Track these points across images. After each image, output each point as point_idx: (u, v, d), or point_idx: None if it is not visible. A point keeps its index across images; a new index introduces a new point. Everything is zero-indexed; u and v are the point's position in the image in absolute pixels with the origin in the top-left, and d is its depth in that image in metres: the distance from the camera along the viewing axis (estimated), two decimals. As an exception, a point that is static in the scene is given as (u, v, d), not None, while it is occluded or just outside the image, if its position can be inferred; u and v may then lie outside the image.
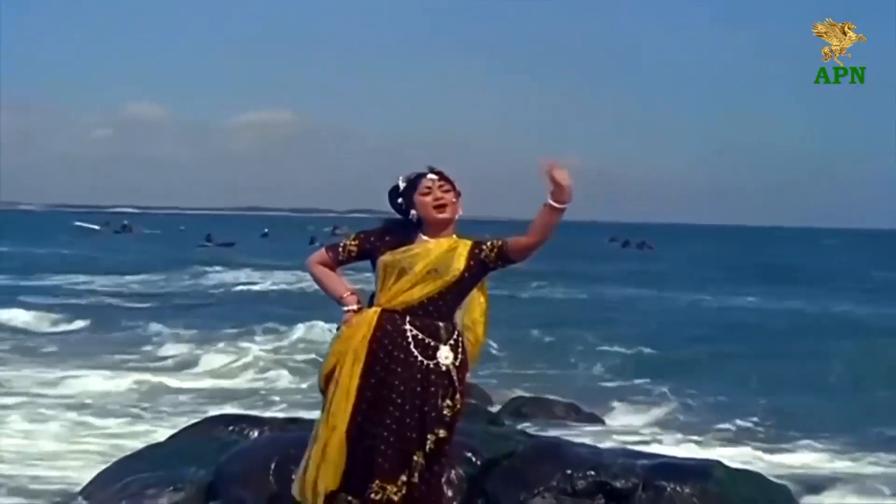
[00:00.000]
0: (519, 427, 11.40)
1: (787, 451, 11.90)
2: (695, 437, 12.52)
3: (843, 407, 14.72)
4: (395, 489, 4.16)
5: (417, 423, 4.19)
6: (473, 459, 8.79)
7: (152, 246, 67.75)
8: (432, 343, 4.22)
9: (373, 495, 4.14)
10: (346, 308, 4.33)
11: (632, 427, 13.53)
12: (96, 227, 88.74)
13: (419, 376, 4.19)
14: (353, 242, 4.39)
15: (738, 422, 13.59)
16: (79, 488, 8.90)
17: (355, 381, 4.17)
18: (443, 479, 4.39)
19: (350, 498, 4.20)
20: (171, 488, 8.51)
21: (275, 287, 35.07)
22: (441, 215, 4.25)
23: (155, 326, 21.76)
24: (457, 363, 4.27)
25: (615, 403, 14.76)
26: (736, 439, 12.72)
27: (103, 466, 9.24)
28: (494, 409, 13.62)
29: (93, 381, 15.11)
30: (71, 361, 17.29)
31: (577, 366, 18.64)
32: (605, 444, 10.20)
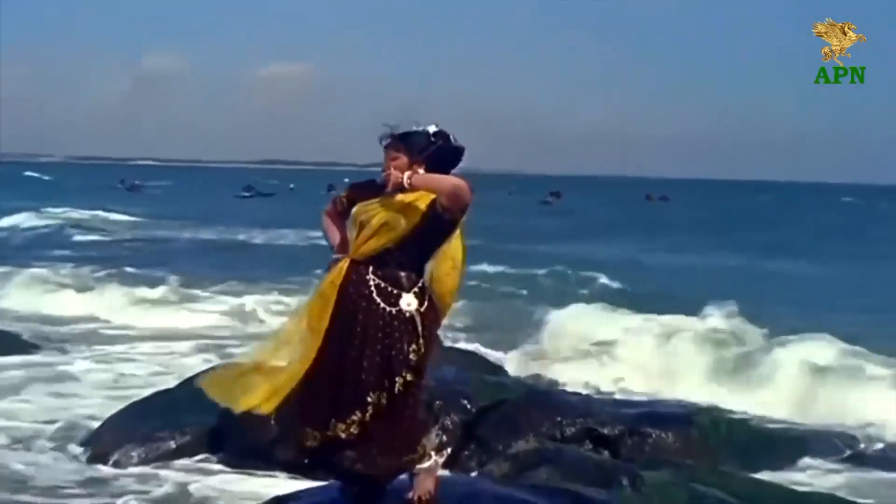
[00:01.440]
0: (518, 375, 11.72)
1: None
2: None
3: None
4: (344, 427, 4.39)
5: (382, 366, 4.41)
6: (468, 406, 9.16)
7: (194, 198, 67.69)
8: (394, 291, 4.44)
9: (329, 432, 4.40)
10: (333, 256, 4.63)
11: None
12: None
13: (381, 322, 4.42)
14: (345, 195, 4.69)
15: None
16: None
17: (324, 323, 4.44)
18: (417, 418, 4.60)
19: (315, 433, 4.45)
20: (178, 432, 8.92)
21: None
22: (383, 180, 4.52)
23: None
24: (421, 310, 4.46)
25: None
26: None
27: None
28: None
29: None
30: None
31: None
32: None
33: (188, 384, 10.34)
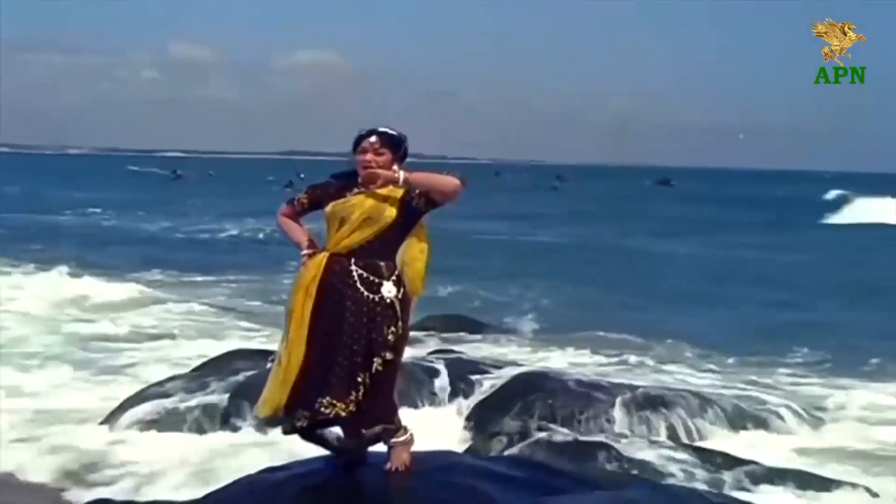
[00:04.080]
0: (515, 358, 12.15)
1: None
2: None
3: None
4: (343, 406, 4.81)
5: (367, 349, 4.81)
6: (465, 389, 9.64)
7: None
8: (376, 280, 4.82)
9: (322, 409, 4.81)
10: (302, 253, 5.02)
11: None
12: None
13: (365, 309, 4.77)
14: (304, 196, 5.05)
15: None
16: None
17: (307, 315, 4.83)
18: (393, 393, 4.99)
19: (305, 413, 4.87)
20: (191, 412, 9.43)
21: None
22: (365, 175, 4.90)
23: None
24: (399, 296, 4.85)
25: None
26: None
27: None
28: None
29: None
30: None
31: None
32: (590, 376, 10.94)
33: (202, 368, 10.94)
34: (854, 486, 7.59)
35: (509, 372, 10.15)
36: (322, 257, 4.84)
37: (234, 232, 36.49)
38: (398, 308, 4.82)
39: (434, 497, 4.68)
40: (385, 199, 4.80)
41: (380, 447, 4.98)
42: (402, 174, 4.79)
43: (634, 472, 6.87)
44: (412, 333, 13.23)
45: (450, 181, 4.82)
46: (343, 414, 4.74)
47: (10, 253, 24.27)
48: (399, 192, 4.81)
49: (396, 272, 4.86)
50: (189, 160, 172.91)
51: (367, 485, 4.83)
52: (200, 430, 9.27)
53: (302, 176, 70.81)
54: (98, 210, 44.82)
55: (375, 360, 4.76)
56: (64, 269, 20.06)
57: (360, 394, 4.75)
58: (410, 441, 5.02)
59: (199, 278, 22.20)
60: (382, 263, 4.83)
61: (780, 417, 9.77)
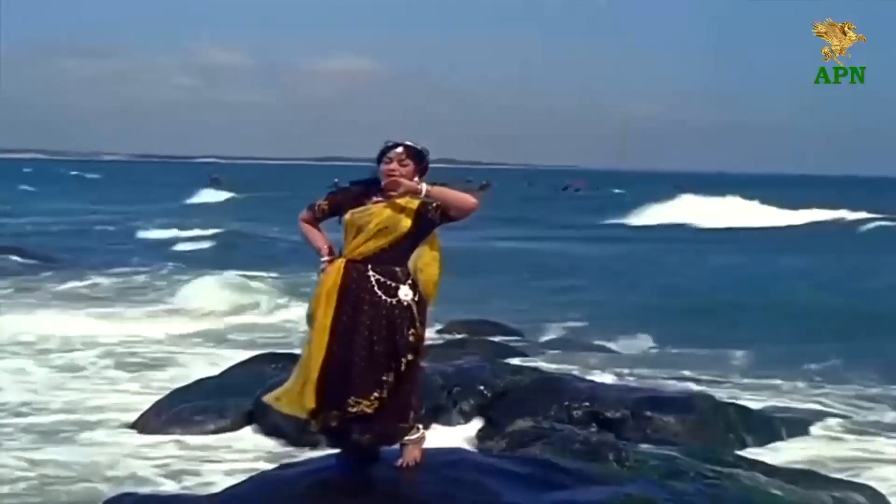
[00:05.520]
0: (531, 364, 12.36)
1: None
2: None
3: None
4: (368, 403, 5.07)
5: (390, 350, 5.03)
6: (484, 392, 9.88)
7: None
8: (393, 284, 5.08)
9: (350, 408, 5.07)
10: (322, 259, 5.28)
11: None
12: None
13: (384, 312, 5.04)
14: (324, 202, 5.32)
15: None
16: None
17: (328, 320, 5.09)
18: (413, 392, 5.22)
19: (334, 412, 5.14)
20: (217, 415, 9.73)
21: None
22: (388, 183, 5.14)
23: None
24: (416, 299, 5.10)
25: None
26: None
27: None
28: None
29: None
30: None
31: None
32: (606, 379, 11.14)
33: (229, 372, 11.24)
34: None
35: (529, 374, 10.40)
36: (340, 264, 5.12)
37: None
38: (415, 311, 5.10)
39: (438, 491, 4.95)
40: (402, 209, 5.07)
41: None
42: (424, 186, 5.07)
43: (641, 471, 7.04)
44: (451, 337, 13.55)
45: (468, 200, 5.09)
46: (368, 411, 5.02)
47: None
48: (415, 204, 5.08)
49: (411, 277, 5.12)
50: (224, 166, 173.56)
51: (377, 479, 5.11)
52: (227, 431, 9.54)
53: (336, 181, 71.13)
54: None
55: (402, 360, 5.04)
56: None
57: (384, 392, 5.02)
58: (422, 439, 5.30)
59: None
60: (398, 269, 5.10)
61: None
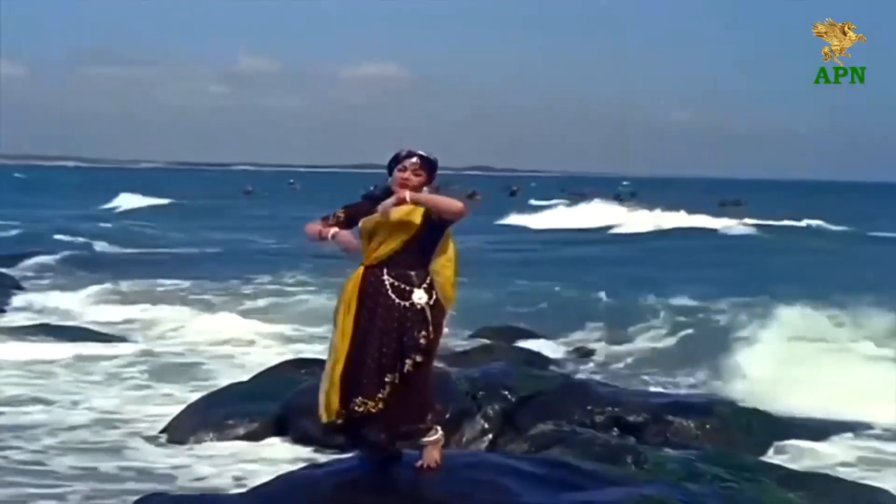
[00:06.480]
0: (558, 370, 12.53)
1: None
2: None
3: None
4: (373, 404, 5.27)
5: (396, 352, 5.26)
6: (509, 396, 10.04)
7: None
8: (407, 288, 5.29)
9: (356, 408, 5.28)
10: (329, 235, 5.32)
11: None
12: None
13: (396, 314, 5.24)
14: (341, 211, 5.55)
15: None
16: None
17: (348, 328, 5.31)
18: (426, 395, 5.40)
19: (342, 412, 5.34)
20: (247, 420, 9.93)
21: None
22: (399, 191, 5.36)
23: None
24: (431, 302, 5.30)
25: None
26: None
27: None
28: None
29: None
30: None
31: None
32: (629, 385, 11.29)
33: (259, 377, 11.46)
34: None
35: (553, 379, 10.55)
36: (360, 271, 5.33)
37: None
38: (429, 314, 5.28)
39: (456, 491, 5.12)
40: (408, 213, 5.29)
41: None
42: (407, 193, 5.26)
43: (659, 474, 7.18)
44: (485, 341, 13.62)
45: (452, 205, 5.30)
46: (373, 411, 5.20)
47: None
48: (420, 209, 5.29)
49: (428, 280, 5.32)
50: (261, 174, 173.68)
51: (397, 480, 5.28)
52: (256, 438, 9.72)
53: (372, 188, 71.15)
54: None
55: (406, 361, 5.21)
56: None
57: (388, 392, 5.21)
58: (440, 440, 5.46)
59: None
60: (413, 273, 5.30)
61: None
